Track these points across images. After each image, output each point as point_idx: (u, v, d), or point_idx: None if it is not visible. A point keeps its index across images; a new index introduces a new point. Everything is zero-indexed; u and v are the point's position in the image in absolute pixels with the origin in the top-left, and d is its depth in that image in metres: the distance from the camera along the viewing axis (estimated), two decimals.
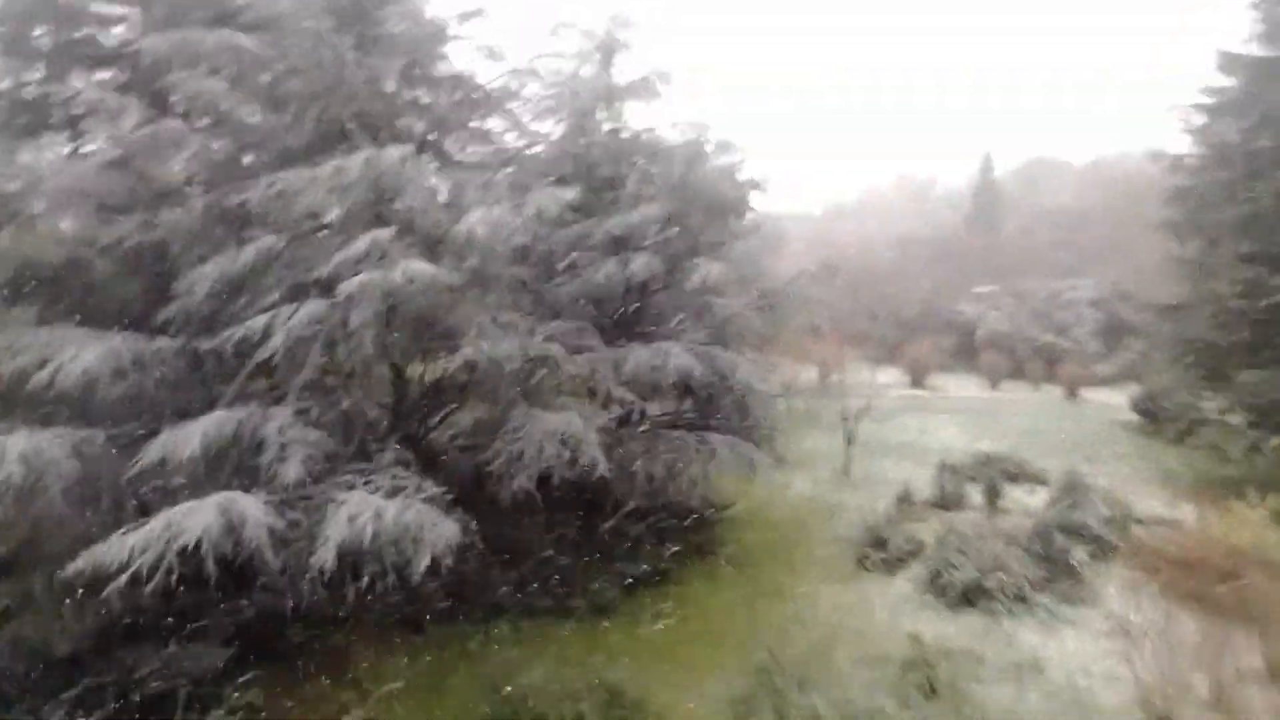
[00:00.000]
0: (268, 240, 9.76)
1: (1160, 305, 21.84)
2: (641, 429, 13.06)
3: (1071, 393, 33.97)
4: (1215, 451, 20.09)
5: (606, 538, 12.77)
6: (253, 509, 7.41)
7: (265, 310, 9.24)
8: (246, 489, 7.98)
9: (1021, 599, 11.81)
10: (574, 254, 13.77)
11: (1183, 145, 20.81)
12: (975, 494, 16.63)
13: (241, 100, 11.09)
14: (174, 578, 7.09)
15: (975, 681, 9.71)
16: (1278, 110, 17.93)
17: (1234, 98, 19.19)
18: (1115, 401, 29.42)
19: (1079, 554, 12.99)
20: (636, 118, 16.08)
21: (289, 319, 8.95)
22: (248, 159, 11.58)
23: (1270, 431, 17.46)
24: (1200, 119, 19.88)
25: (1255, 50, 18.90)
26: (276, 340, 8.81)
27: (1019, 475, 18.50)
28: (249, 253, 9.54)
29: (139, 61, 10.31)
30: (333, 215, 11.11)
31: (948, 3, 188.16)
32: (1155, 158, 21.88)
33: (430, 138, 12.31)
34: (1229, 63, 19.14)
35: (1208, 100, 19.61)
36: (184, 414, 8.73)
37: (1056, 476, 16.61)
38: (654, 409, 14.50)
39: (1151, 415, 25.10)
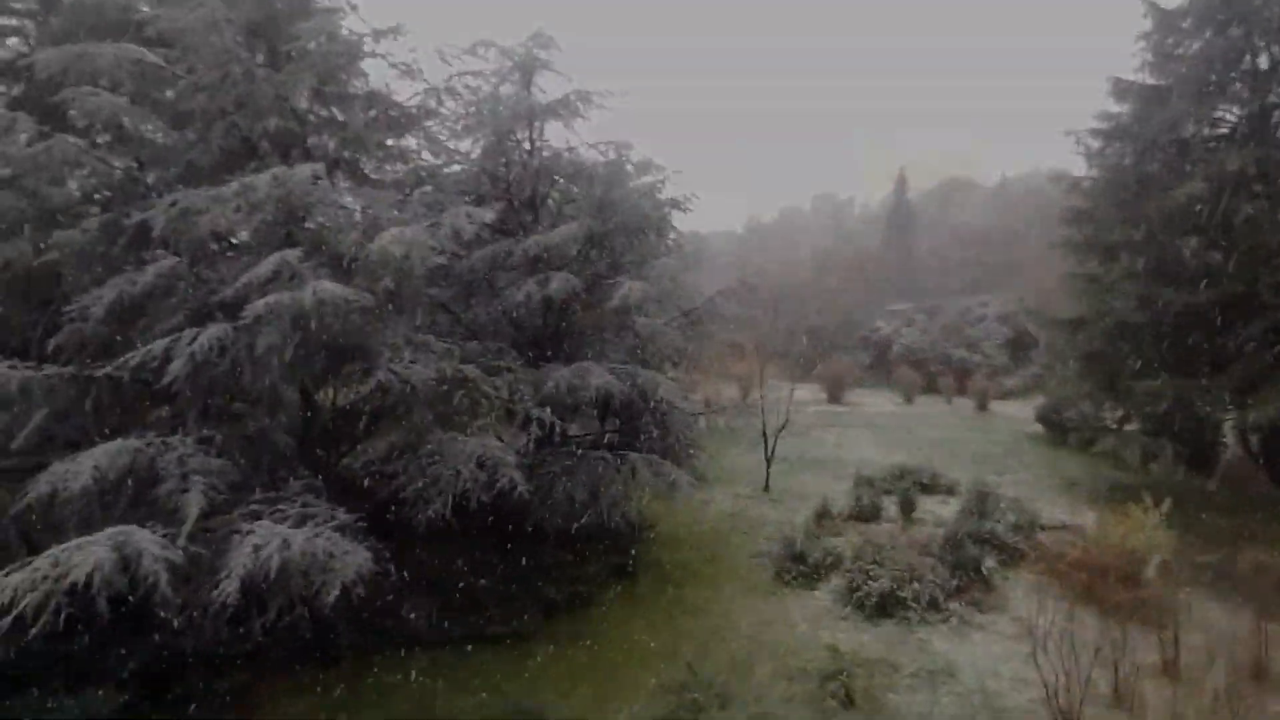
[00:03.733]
0: (169, 261, 9.35)
1: (1061, 320, 22.71)
2: (562, 450, 12.93)
3: (982, 406, 34.98)
4: (1114, 459, 21.08)
5: (526, 562, 12.59)
6: (149, 543, 7.05)
7: (166, 334, 8.85)
8: (144, 523, 7.60)
9: (935, 607, 12.14)
10: (493, 274, 13.62)
11: (1082, 168, 21.67)
12: (891, 506, 16.99)
13: (144, 116, 10.67)
14: (62, 619, 6.68)
15: (891, 690, 9.92)
16: (1165, 136, 18.94)
17: (1126, 123, 20.14)
18: (1023, 414, 30.48)
19: (989, 561, 13.40)
20: (558, 137, 16.04)
21: (191, 343, 8.58)
22: (151, 177, 11.14)
23: (1164, 438, 18.34)
24: (1096, 143, 20.74)
25: (1146, 79, 19.93)
26: (177, 365, 8.41)
27: (932, 486, 18.99)
28: (149, 274, 9.10)
29: (33, 76, 9.88)
30: (242, 236, 10.83)
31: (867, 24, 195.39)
32: (1056, 179, 22.71)
33: (344, 156, 12.03)
34: (1121, 90, 20.11)
35: (1102, 125, 20.52)
36: (75, 445, 8.29)
37: (967, 487, 17.18)
38: (574, 429, 14.41)
39: (1056, 426, 26.06)
